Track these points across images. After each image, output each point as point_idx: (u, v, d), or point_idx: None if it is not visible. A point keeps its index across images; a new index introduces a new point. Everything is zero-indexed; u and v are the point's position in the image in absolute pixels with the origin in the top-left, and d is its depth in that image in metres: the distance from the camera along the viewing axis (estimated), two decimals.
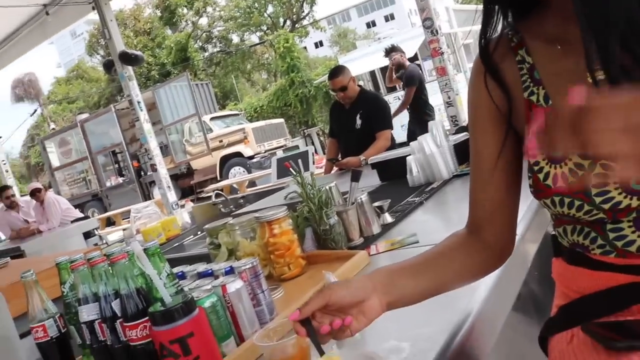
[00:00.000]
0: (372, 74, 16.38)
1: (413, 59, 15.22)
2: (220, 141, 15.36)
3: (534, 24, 0.94)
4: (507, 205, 1.02)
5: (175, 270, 1.37)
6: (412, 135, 6.55)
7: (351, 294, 0.88)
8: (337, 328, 0.85)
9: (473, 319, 1.12)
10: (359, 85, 4.42)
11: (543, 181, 0.90)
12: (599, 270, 0.92)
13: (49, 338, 1.19)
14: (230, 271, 1.24)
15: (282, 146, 15.76)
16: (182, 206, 7.12)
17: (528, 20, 0.96)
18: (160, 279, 0.99)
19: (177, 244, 3.04)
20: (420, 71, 6.50)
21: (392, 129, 4.19)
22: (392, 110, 5.26)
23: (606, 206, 0.84)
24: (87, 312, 1.10)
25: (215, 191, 4.13)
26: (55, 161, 17.87)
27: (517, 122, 0.97)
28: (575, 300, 0.98)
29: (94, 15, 6.96)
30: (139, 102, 6.86)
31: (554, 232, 1.04)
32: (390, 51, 6.71)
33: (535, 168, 0.91)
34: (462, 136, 2.75)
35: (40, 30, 7.40)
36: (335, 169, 4.36)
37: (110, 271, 1.04)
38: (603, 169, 0.83)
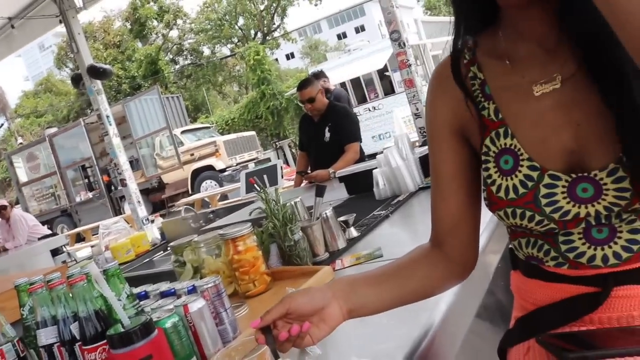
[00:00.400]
0: (343, 85, 16.46)
1: (382, 70, 15.40)
2: (192, 154, 15.27)
3: (485, 40, 0.98)
4: (467, 220, 1.04)
5: (138, 290, 1.36)
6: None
7: (311, 301, 0.91)
8: (295, 334, 0.87)
9: (434, 332, 1.14)
10: (328, 98, 4.45)
11: (496, 193, 0.93)
12: (553, 282, 0.94)
13: None
14: (192, 290, 1.23)
15: (254, 159, 15.73)
16: (152, 221, 7.04)
17: (480, 37, 0.99)
18: (120, 300, 0.99)
19: (146, 260, 3.02)
20: (347, 93, 6.57)
21: (361, 142, 4.22)
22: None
23: (556, 215, 0.87)
24: (46, 336, 1.08)
25: (185, 206, 4.09)
26: (22, 176, 17.53)
27: (472, 137, 1.00)
28: (531, 312, 1.01)
29: (61, 28, 6.89)
30: (108, 117, 6.78)
31: (511, 246, 1.07)
32: (315, 78, 6.73)
33: (489, 181, 0.94)
34: (428, 148, 2.79)
35: (6, 43, 7.29)
36: (304, 182, 4.37)
37: (69, 294, 1.03)
38: (551, 179, 0.86)
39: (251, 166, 12.11)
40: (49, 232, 7.34)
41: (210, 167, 15.13)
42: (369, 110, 14.77)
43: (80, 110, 33.98)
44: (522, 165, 0.89)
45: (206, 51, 35.83)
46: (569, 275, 0.92)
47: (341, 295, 0.95)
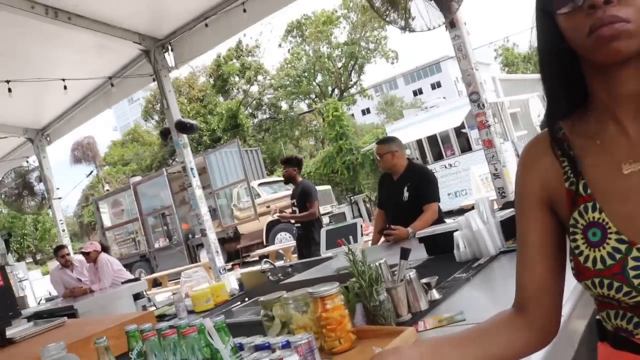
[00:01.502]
0: (419, 142, 16.51)
1: (460, 127, 15.34)
2: (268, 206, 15.58)
3: (575, 122, 1.03)
4: (551, 287, 1.07)
5: (234, 341, 1.44)
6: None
7: None
8: None
9: None
10: (408, 159, 4.53)
11: (583, 263, 0.95)
12: None
13: None
14: (286, 345, 1.30)
15: (328, 212, 15.82)
16: (230, 269, 7.21)
17: (570, 119, 1.04)
18: (226, 351, 1.07)
19: (225, 309, 3.10)
20: (313, 186, 6.65)
21: (440, 202, 4.25)
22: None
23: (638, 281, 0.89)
24: None
25: (263, 258, 4.21)
26: (107, 221, 18.41)
27: (560, 210, 1.04)
28: None
29: (152, 84, 7.37)
30: (192, 169, 7.11)
31: (598, 317, 1.08)
32: (285, 162, 6.76)
33: (576, 252, 0.97)
34: (508, 212, 2.78)
35: (104, 99, 7.89)
36: (382, 239, 4.41)
37: (180, 342, 1.13)
38: (639, 252, 0.89)
39: (325, 220, 12.22)
40: (132, 276, 7.64)
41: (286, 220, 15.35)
42: (445, 167, 14.71)
43: (163, 160, 35.54)
44: (610, 238, 0.92)
45: (284, 106, 36.92)
46: None
47: (427, 356, 1.00)
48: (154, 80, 7.11)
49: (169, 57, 7.01)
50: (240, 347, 1.44)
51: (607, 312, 1.00)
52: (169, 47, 6.96)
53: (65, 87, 6.59)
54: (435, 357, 1.01)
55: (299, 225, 6.62)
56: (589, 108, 1.00)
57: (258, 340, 1.42)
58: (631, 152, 0.93)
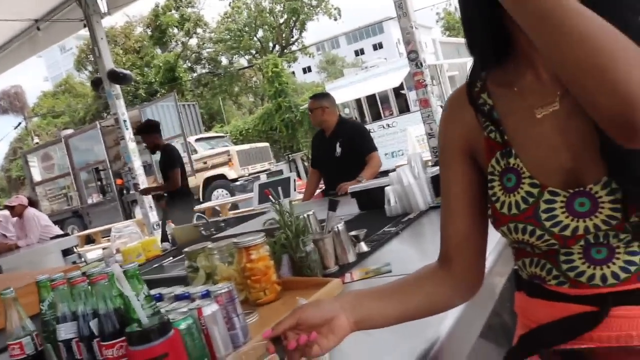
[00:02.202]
0: (358, 102, 16.55)
1: (398, 88, 15.45)
2: (205, 163, 15.38)
3: (496, 71, 1.04)
4: (474, 239, 1.09)
5: (153, 292, 1.40)
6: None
7: (320, 312, 0.95)
8: (303, 344, 0.90)
9: (438, 348, 1.16)
10: (340, 115, 4.58)
11: (500, 209, 0.98)
12: (554, 300, 0.99)
13: (25, 356, 1.21)
14: (206, 295, 1.27)
15: (266, 170, 15.80)
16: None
17: (494, 69, 1.05)
18: (138, 300, 1.03)
19: (156, 265, 3.05)
20: (178, 152, 6.16)
21: (377, 151, 4.32)
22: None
23: (555, 230, 0.92)
24: (65, 331, 1.13)
25: (197, 213, 4.14)
26: (37, 176, 17.70)
27: (480, 159, 1.06)
28: (533, 330, 1.04)
29: (84, 32, 7.01)
30: (125, 121, 6.88)
31: (515, 267, 1.11)
32: (141, 130, 6.11)
33: (493, 198, 1.00)
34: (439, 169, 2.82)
35: (30, 44, 7.43)
36: (314, 196, 4.51)
37: (90, 291, 1.08)
38: (550, 195, 0.92)
39: (263, 177, 12.18)
40: (61, 232, 7.40)
41: (222, 176, 15.22)
42: (383, 127, 14.82)
43: (97, 113, 34.31)
44: (523, 183, 0.95)
45: (224, 61, 36.13)
46: (569, 294, 0.96)
47: (348, 307, 0.99)
48: (85, 26, 6.76)
49: (101, 2, 6.64)
50: (159, 298, 1.40)
51: (522, 261, 1.04)
52: None
53: None
54: (355, 308, 1.00)
55: (165, 196, 6.16)
56: (510, 57, 1.00)
57: (178, 290, 1.38)
58: (543, 97, 0.95)
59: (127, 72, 7.19)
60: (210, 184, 15.27)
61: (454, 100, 1.11)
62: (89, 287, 1.08)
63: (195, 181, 14.94)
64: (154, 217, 6.98)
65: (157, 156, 6.36)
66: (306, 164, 17.44)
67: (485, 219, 1.08)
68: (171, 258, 3.16)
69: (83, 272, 1.16)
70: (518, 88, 0.99)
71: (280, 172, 14.99)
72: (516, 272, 1.11)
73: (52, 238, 7.08)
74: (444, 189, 1.12)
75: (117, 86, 6.89)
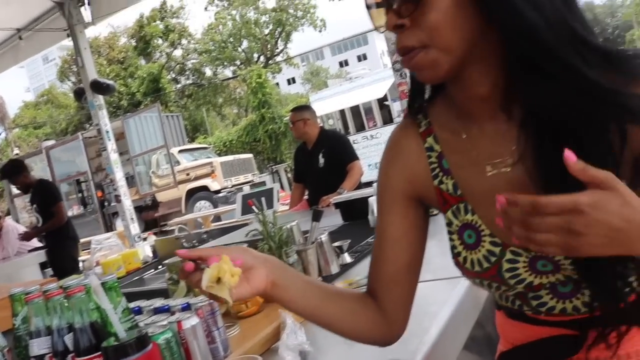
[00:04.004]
0: (342, 113, 16.58)
1: (382, 99, 15.52)
2: (188, 174, 15.29)
3: (440, 110, 0.98)
4: (404, 283, 1.03)
5: (132, 305, 1.37)
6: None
7: (242, 256, 0.91)
8: (191, 270, 0.86)
9: (422, 358, 1.15)
10: (321, 127, 4.59)
11: (463, 264, 0.95)
12: (534, 324, 0.97)
13: None
14: (186, 307, 1.25)
15: (249, 181, 15.75)
16: (145, 239, 7.03)
17: (435, 105, 0.99)
18: (116, 313, 1.00)
19: (136, 277, 3.01)
20: (55, 186, 6.13)
21: (359, 160, 4.33)
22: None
23: (520, 286, 0.90)
24: (38, 346, 1.09)
25: (179, 225, 4.11)
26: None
27: (432, 205, 1.01)
28: (514, 348, 1.03)
29: (67, 42, 6.95)
30: (107, 132, 6.82)
31: None
32: (5, 173, 6.01)
33: (455, 251, 0.96)
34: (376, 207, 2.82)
35: (12, 54, 7.35)
36: (297, 206, 4.50)
37: (66, 304, 1.04)
38: (512, 255, 0.89)
39: (246, 189, 12.14)
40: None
41: (205, 188, 15.13)
42: (367, 138, 14.85)
43: (79, 124, 34.02)
44: (484, 241, 0.91)
45: (208, 72, 36.07)
46: (548, 320, 0.94)
47: (271, 266, 0.95)
48: (68, 36, 6.71)
49: (85, 12, 6.61)
50: (138, 311, 1.37)
51: (494, 294, 1.01)
52: (85, 1, 6.55)
53: None
54: (279, 271, 0.96)
55: (44, 236, 6.04)
56: (451, 97, 0.95)
57: (158, 303, 1.35)
58: (492, 153, 0.90)
59: (110, 82, 7.14)
60: (193, 195, 15.18)
61: (398, 137, 1.03)
62: (65, 300, 1.04)
63: (177, 193, 14.87)
64: (135, 229, 6.91)
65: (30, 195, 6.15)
66: (289, 175, 17.42)
67: (419, 262, 1.04)
68: (152, 270, 3.12)
69: (60, 285, 1.13)
70: (466, 137, 0.93)
71: (264, 183, 14.96)
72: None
73: (30, 251, 6.96)
74: (380, 231, 1.04)
75: (100, 97, 6.84)
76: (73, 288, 1.00)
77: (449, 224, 0.96)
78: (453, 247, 0.96)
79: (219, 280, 0.85)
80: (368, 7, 0.87)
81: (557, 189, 0.74)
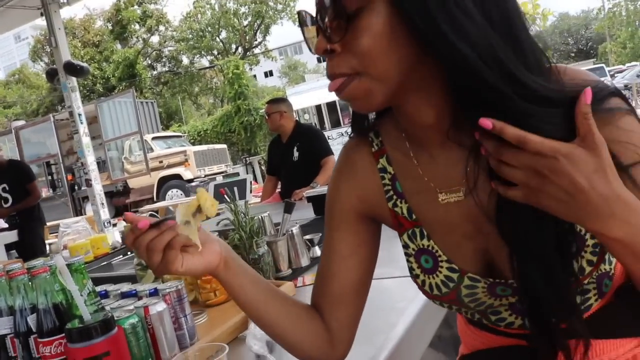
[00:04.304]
0: (319, 108, 16.60)
1: None
2: (161, 162, 15.13)
3: (391, 130, 0.94)
4: (350, 302, 0.99)
5: (99, 288, 1.35)
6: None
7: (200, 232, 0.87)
8: (145, 227, 0.81)
9: (388, 354, 1.16)
10: (297, 120, 4.58)
11: (422, 287, 0.94)
12: (493, 333, 0.98)
13: None
14: (154, 293, 1.23)
15: (222, 172, 15.65)
16: (115, 225, 6.93)
17: (386, 124, 0.95)
18: (82, 295, 0.99)
19: (104, 262, 2.97)
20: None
21: (334, 155, 4.33)
22: None
23: (481, 308, 0.91)
24: (0, 326, 1.07)
25: (150, 212, 4.06)
26: None
27: (387, 224, 0.97)
28: (474, 353, 1.04)
29: (41, 21, 6.81)
30: (79, 115, 6.70)
31: None
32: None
33: (414, 273, 0.94)
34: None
35: None
36: (270, 198, 4.49)
37: (30, 284, 1.03)
38: (470, 281, 0.87)
39: (219, 179, 12.07)
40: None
41: (177, 176, 15.00)
42: (342, 134, 14.90)
43: (51, 106, 33.38)
44: (441, 267, 0.90)
45: (185, 60, 35.71)
46: (507, 332, 0.95)
47: (225, 247, 0.92)
48: (42, 15, 6.56)
49: None
50: (105, 295, 1.35)
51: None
52: None
53: None
54: (231, 253, 0.93)
55: (14, 216, 6.06)
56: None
57: (125, 287, 1.33)
58: (444, 181, 0.87)
59: (84, 64, 6.99)
60: (165, 183, 15.04)
61: (351, 154, 0.98)
62: (30, 280, 1.02)
63: (150, 180, 14.70)
64: (105, 214, 6.81)
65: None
66: (263, 167, 17.36)
67: (368, 282, 1.01)
68: (121, 256, 3.08)
69: (25, 267, 1.10)
70: (418, 162, 0.90)
71: (237, 174, 14.89)
72: None
73: None
74: (327, 247, 1.00)
75: (73, 79, 6.70)
76: (38, 268, 0.99)
77: (406, 246, 0.93)
78: (411, 269, 0.94)
79: (195, 214, 0.83)
80: (301, 26, 0.82)
81: (509, 218, 0.75)
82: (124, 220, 0.83)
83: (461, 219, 0.86)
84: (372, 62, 0.74)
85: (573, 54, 46.36)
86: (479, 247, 0.86)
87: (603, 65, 22.74)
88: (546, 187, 0.66)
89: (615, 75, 23.96)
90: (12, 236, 6.37)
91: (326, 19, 0.76)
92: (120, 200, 15.87)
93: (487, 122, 0.67)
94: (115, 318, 1.07)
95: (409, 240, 0.93)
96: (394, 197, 0.93)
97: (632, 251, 0.67)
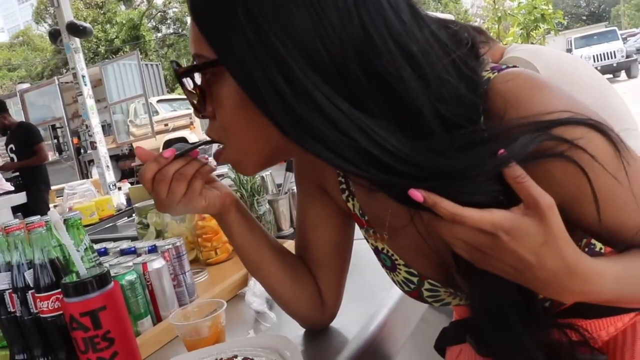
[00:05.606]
0: None
1: None
2: (166, 125, 15.12)
3: None
4: (330, 268, 0.99)
5: (98, 246, 1.35)
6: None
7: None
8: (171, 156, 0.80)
9: (388, 312, 1.15)
10: None
11: (389, 277, 0.94)
12: None
13: None
14: (153, 250, 1.23)
15: None
16: (120, 188, 6.95)
17: None
18: (78, 251, 0.98)
19: (109, 224, 2.98)
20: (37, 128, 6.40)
21: None
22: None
23: (444, 305, 0.91)
24: None
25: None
26: None
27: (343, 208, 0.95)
28: (464, 319, 1.04)
29: None
30: (83, 77, 6.65)
31: None
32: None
33: (380, 263, 0.93)
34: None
35: None
36: None
37: (27, 240, 1.02)
38: (431, 285, 0.86)
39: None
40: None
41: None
42: None
43: (56, 69, 33.26)
44: (400, 269, 0.88)
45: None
46: None
47: (233, 193, 0.92)
48: None
49: None
50: (104, 252, 1.35)
51: None
52: None
53: None
54: (242, 207, 0.93)
55: (17, 175, 6.24)
56: None
57: (124, 244, 1.33)
58: (383, 214, 0.84)
59: (87, 25, 6.92)
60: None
61: None
62: (27, 236, 1.02)
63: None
64: (110, 177, 6.83)
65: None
66: None
67: (347, 245, 1.00)
68: (125, 218, 3.09)
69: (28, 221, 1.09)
70: (356, 192, 0.89)
71: None
72: None
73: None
74: (300, 214, 0.99)
75: (77, 40, 6.63)
76: (34, 223, 0.98)
77: (366, 239, 0.92)
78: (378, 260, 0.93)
79: None
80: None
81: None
82: (136, 155, 0.81)
83: (411, 241, 0.82)
84: (230, 135, 0.72)
85: (584, 17, 45.48)
86: (434, 260, 0.83)
87: (615, 28, 22.28)
88: (490, 262, 0.61)
89: (628, 38, 23.57)
90: (21, 198, 6.42)
91: (188, 88, 0.72)
92: (126, 163, 15.90)
93: (417, 195, 0.59)
94: (114, 274, 1.07)
95: (367, 235, 0.91)
96: (347, 192, 0.91)
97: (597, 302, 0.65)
